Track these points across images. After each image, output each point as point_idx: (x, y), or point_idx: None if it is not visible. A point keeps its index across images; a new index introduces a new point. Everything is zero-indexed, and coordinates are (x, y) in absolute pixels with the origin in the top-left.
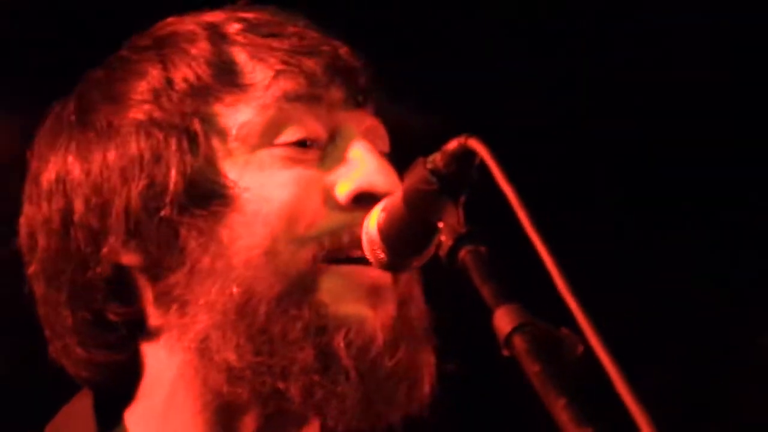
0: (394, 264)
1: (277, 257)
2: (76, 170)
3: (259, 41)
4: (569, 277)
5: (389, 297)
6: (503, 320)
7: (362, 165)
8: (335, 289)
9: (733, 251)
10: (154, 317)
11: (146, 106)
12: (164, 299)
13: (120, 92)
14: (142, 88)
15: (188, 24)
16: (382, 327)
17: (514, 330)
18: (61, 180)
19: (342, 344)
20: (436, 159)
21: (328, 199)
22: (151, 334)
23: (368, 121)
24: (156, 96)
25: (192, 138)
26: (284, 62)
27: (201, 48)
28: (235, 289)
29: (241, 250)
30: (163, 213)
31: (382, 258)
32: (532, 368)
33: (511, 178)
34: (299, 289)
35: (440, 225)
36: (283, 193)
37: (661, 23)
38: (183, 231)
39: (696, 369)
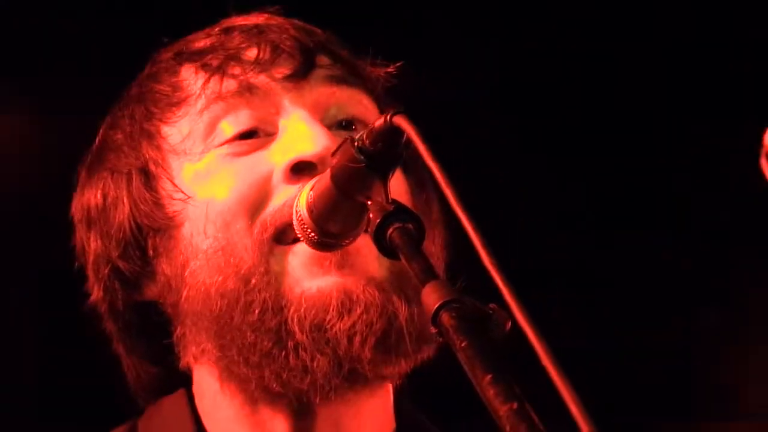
0: (325, 243)
1: (232, 251)
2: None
3: (205, 49)
4: (495, 254)
5: (360, 260)
6: (431, 297)
7: (288, 137)
8: (287, 269)
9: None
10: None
11: (112, 155)
12: (171, 311)
13: (104, 142)
14: (116, 137)
15: (165, 56)
16: (345, 290)
17: (441, 306)
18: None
19: (296, 320)
20: (363, 137)
21: (275, 178)
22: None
23: (314, 92)
24: (119, 144)
25: (145, 173)
26: (211, 64)
27: (161, 81)
28: (202, 289)
29: (199, 254)
30: (129, 247)
31: (313, 237)
32: (459, 344)
33: (437, 155)
34: (256, 276)
35: (368, 203)
36: (225, 189)
37: None
38: (152, 256)
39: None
